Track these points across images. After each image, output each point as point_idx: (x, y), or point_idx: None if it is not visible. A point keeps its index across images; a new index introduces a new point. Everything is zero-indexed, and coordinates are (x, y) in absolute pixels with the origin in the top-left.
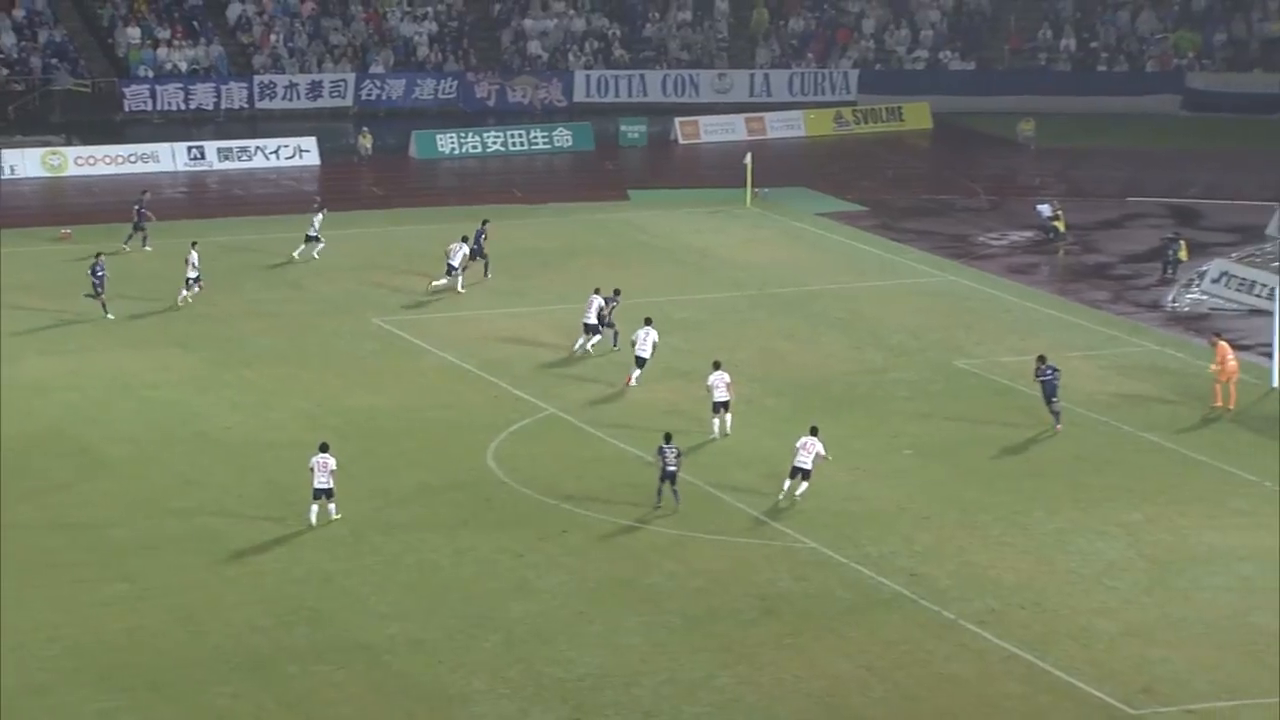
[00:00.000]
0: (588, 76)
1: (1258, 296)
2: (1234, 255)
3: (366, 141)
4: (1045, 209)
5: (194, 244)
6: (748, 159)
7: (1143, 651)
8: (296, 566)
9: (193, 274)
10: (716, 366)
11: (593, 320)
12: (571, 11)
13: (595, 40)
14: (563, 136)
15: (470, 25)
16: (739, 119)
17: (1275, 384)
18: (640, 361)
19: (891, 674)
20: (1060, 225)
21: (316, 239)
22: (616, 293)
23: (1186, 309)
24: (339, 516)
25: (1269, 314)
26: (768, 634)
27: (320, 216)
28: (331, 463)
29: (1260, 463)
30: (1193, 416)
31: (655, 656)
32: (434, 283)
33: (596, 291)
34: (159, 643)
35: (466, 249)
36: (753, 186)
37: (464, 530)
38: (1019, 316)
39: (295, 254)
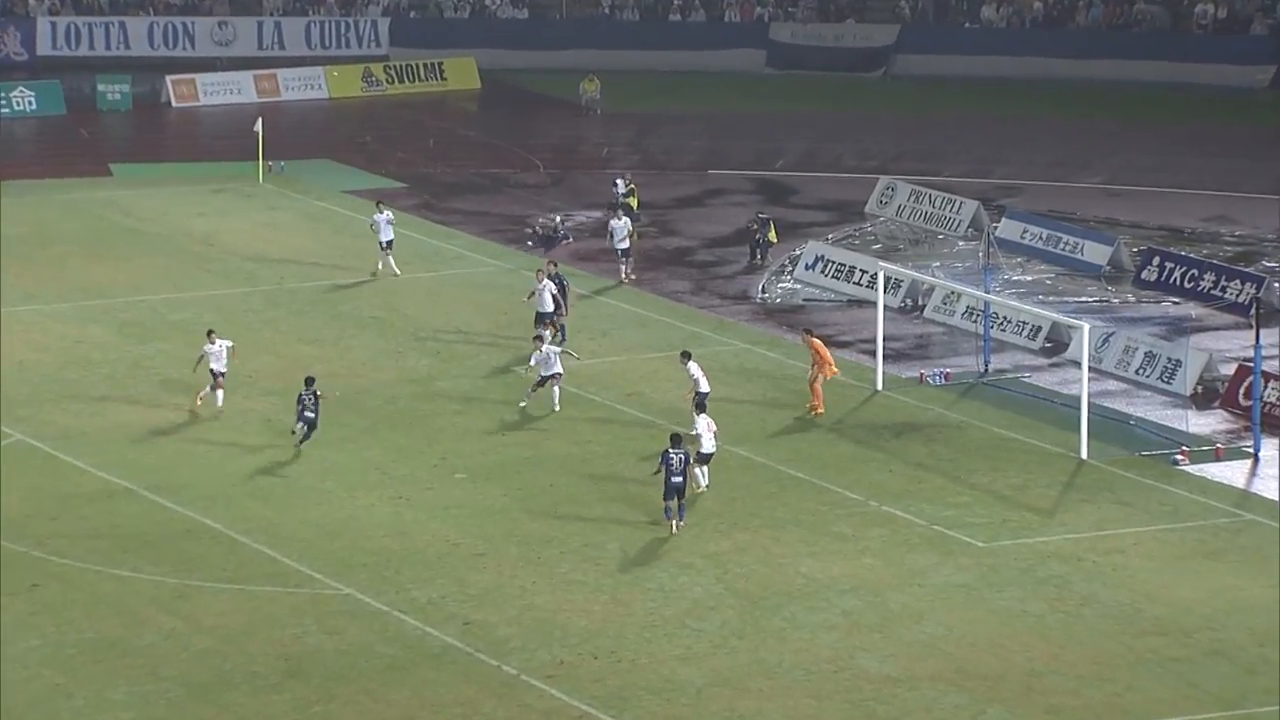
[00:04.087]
0: (54, 24)
1: (858, 285)
2: (830, 237)
3: None
4: (620, 185)
5: (210, 332)
6: (258, 126)
7: (733, 703)
8: None
9: (219, 366)
10: (700, 409)
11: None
12: None
13: None
14: (24, 98)
15: None
16: (246, 77)
17: (880, 386)
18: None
19: None
20: (633, 203)
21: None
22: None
23: (779, 300)
24: None
25: (871, 305)
26: (293, 701)
27: (386, 216)
28: None
29: (864, 478)
30: (788, 426)
31: None
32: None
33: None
34: None
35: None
36: (266, 159)
37: None
38: (588, 312)
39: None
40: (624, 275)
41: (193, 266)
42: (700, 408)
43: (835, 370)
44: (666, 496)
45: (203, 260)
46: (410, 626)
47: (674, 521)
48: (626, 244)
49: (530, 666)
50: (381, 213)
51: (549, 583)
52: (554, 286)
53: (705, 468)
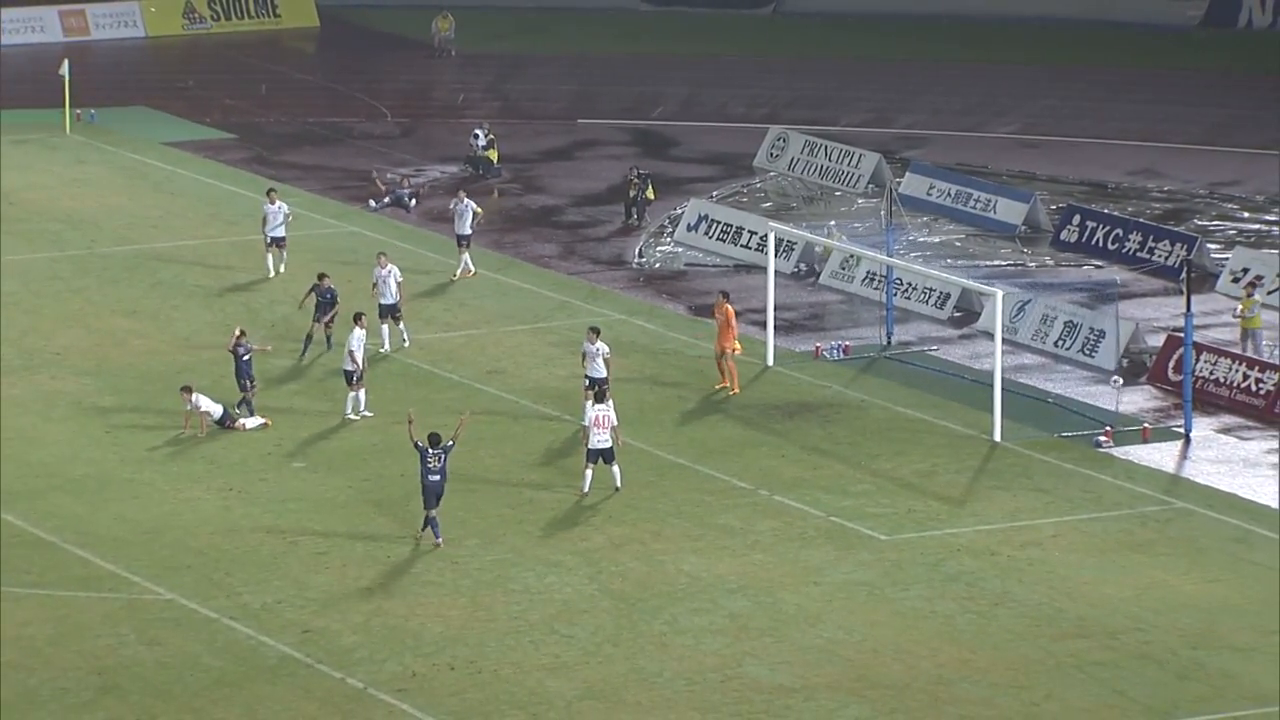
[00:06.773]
0: None
1: (746, 247)
2: (715, 194)
3: None
4: (480, 135)
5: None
6: (64, 68)
7: (608, 718)
8: None
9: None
10: (601, 397)
11: None
12: None
13: None
14: None
15: None
16: (50, 13)
17: (770, 361)
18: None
19: None
20: (493, 156)
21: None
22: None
23: (657, 265)
24: None
25: (761, 270)
26: None
27: (278, 206)
28: None
29: (753, 464)
30: (668, 406)
31: None
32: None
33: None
34: None
35: None
36: (74, 106)
37: None
38: (444, 278)
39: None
40: (463, 269)
41: None
42: (598, 396)
43: (738, 347)
44: (426, 504)
45: (1, 220)
46: (242, 635)
47: (436, 538)
48: (469, 231)
49: (378, 679)
50: (273, 202)
51: (400, 585)
52: (398, 272)
53: (616, 468)
